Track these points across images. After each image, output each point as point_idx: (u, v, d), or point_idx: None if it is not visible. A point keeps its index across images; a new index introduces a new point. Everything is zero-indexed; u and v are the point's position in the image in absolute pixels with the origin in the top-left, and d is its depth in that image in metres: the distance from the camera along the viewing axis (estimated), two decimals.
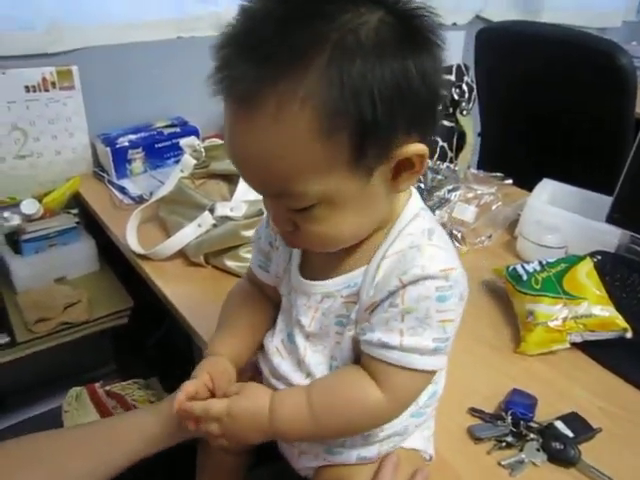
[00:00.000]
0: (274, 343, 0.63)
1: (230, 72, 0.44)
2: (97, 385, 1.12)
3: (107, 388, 1.11)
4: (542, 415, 0.72)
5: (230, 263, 0.99)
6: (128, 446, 0.64)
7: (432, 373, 0.53)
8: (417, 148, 0.47)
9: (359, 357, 0.56)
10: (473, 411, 0.72)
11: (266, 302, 0.68)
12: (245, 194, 1.04)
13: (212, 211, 1.00)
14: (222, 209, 0.99)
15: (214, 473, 0.70)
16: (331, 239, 0.51)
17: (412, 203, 0.55)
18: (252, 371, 0.67)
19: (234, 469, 0.70)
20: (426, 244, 0.51)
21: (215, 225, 1.00)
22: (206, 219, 1.00)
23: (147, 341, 1.54)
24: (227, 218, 0.98)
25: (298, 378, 0.59)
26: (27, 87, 1.28)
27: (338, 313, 0.56)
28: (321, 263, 0.57)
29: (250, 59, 0.43)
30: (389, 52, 0.43)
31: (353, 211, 0.49)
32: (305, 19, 0.43)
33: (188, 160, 1.13)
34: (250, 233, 0.97)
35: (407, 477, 0.60)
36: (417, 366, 0.51)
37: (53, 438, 0.67)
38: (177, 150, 1.42)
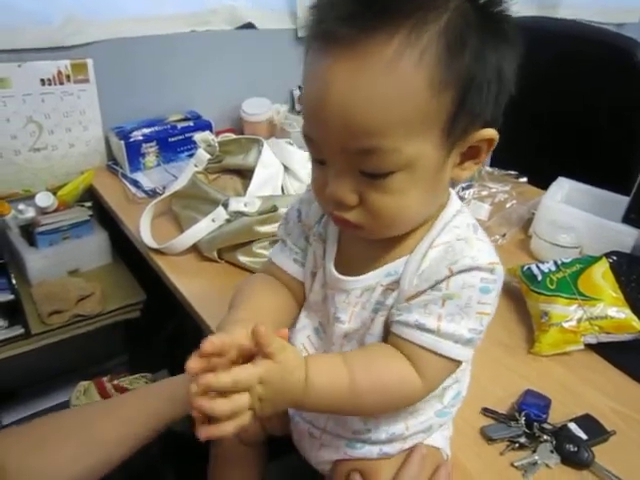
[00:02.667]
0: (299, 340, 0.62)
1: (341, 13, 0.43)
2: (105, 379, 1.13)
3: (115, 382, 1.12)
4: (555, 416, 0.72)
5: (243, 258, 0.99)
6: (156, 413, 0.65)
7: (458, 363, 0.53)
8: (490, 132, 0.49)
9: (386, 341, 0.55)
10: (486, 411, 0.72)
11: (290, 295, 0.64)
12: (259, 189, 1.05)
13: (226, 206, 1.00)
14: (236, 204, 0.99)
15: (229, 465, 0.70)
16: (395, 217, 0.49)
17: (454, 200, 0.56)
18: None
19: (249, 461, 0.70)
20: (473, 237, 0.52)
21: (229, 220, 0.99)
22: (220, 214, 1.00)
23: (158, 334, 1.56)
24: (241, 213, 0.98)
25: None
26: (42, 80, 1.28)
27: (377, 300, 0.55)
28: (358, 257, 0.56)
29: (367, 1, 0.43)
30: (493, 38, 0.46)
31: (424, 189, 0.49)
32: None
33: (202, 155, 1.13)
34: (264, 229, 0.97)
35: (430, 471, 0.60)
36: (449, 354, 0.51)
37: (84, 410, 0.68)
38: (190, 144, 1.42)
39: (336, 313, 0.58)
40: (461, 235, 0.52)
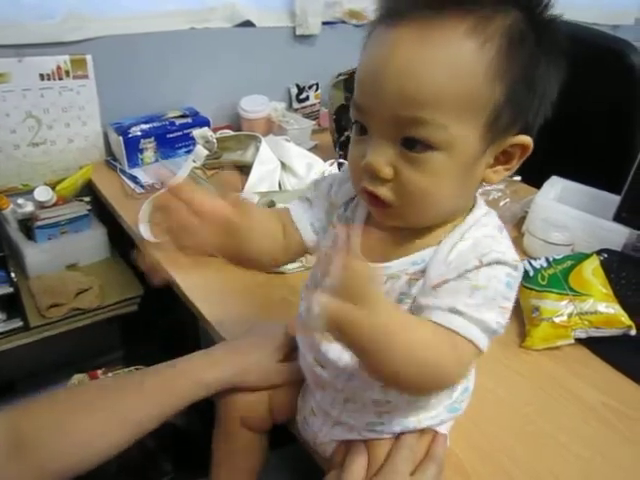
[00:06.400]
0: None
1: None
2: (99, 372, 1.14)
3: (109, 375, 1.13)
4: (547, 409, 0.73)
5: None
6: (181, 390, 0.66)
7: (480, 353, 0.51)
8: (526, 139, 0.51)
9: None
10: None
11: (283, 238, 0.63)
12: (257, 185, 1.06)
13: None
14: None
15: (233, 452, 0.70)
16: (423, 198, 0.50)
17: (481, 204, 0.57)
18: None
19: (253, 448, 0.71)
20: (499, 236, 0.53)
21: None
22: None
23: (155, 329, 1.57)
24: None
25: (347, 357, 0.57)
26: (42, 75, 1.29)
27: (400, 291, 0.54)
28: (383, 245, 0.56)
29: None
30: (546, 50, 0.49)
31: (457, 178, 0.50)
32: None
33: (200, 150, 1.14)
34: None
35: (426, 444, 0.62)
36: (477, 340, 0.49)
37: (113, 383, 0.69)
38: (188, 140, 1.43)
39: None
40: (488, 233, 0.53)
